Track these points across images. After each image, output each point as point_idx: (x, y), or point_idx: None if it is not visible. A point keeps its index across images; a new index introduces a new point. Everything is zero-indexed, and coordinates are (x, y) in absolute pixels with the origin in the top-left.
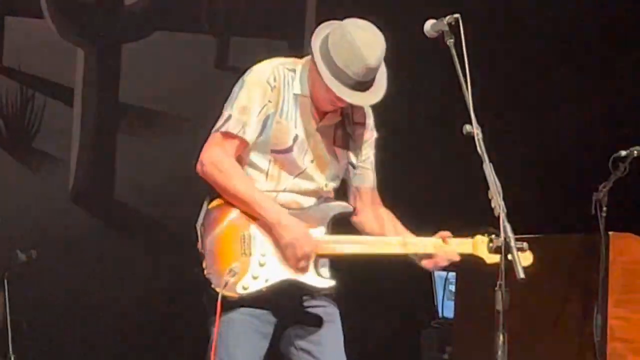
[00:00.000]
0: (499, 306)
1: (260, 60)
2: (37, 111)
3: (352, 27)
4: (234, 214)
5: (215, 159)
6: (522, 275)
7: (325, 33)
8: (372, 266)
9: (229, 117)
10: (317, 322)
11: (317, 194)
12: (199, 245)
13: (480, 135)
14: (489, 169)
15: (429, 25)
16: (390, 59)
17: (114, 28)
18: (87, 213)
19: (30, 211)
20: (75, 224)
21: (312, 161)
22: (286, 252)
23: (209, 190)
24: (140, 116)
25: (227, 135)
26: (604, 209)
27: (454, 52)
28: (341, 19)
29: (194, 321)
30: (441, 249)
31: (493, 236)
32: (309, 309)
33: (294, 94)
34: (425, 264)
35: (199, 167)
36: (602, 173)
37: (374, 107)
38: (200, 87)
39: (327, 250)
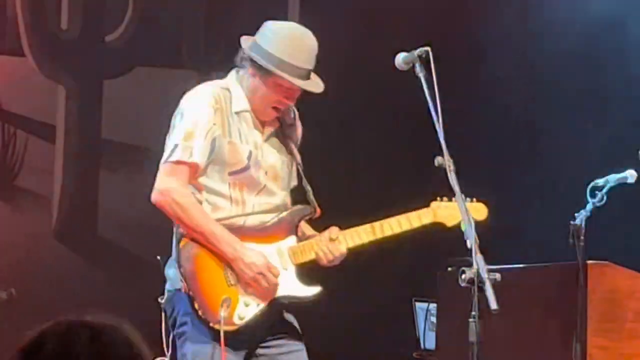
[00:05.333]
0: (473, 337)
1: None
2: (19, 149)
3: (279, 26)
4: (205, 248)
5: (172, 189)
6: (494, 306)
7: (249, 42)
8: (353, 296)
9: (175, 146)
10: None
11: (282, 209)
12: (184, 287)
13: (452, 167)
14: (460, 200)
15: (400, 58)
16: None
17: (95, 64)
18: (70, 250)
19: (13, 249)
20: (59, 261)
21: (265, 173)
22: (252, 286)
23: (174, 231)
24: (122, 152)
25: (178, 163)
26: (582, 237)
27: (424, 84)
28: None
29: None
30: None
31: (465, 268)
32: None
33: (236, 112)
34: (321, 262)
35: (155, 196)
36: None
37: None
38: None
39: (306, 257)
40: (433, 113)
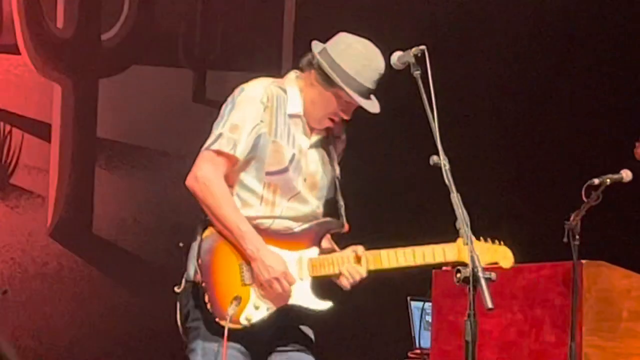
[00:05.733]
0: (468, 337)
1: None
2: (14, 147)
3: (352, 40)
4: (227, 242)
5: (208, 178)
6: (490, 305)
7: (319, 48)
8: (348, 297)
9: (220, 135)
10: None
11: (311, 217)
12: (198, 277)
13: (448, 166)
14: (456, 199)
15: (395, 57)
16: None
17: (91, 63)
18: (65, 248)
19: (8, 247)
20: (54, 259)
21: (304, 180)
22: (265, 288)
23: (200, 219)
24: (117, 151)
25: (218, 153)
26: (577, 237)
27: (420, 84)
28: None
29: (178, 355)
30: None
31: (460, 267)
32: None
33: (289, 114)
34: (344, 282)
35: (191, 181)
36: (576, 201)
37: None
38: (177, 121)
39: (321, 272)
40: (428, 112)
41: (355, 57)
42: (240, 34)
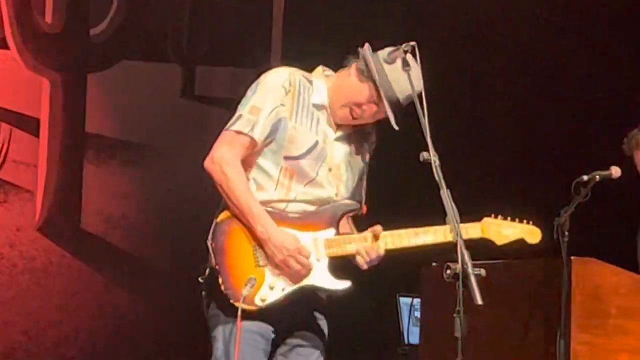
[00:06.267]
0: (458, 333)
1: (226, 89)
2: (2, 142)
3: (403, 54)
4: (242, 225)
5: (224, 159)
6: (479, 301)
7: (369, 49)
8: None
9: (240, 116)
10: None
11: (327, 202)
12: (212, 261)
13: (438, 162)
14: (446, 196)
15: (385, 53)
16: None
17: (80, 58)
18: (53, 243)
19: None
20: (42, 254)
21: (329, 170)
22: (282, 268)
23: (218, 204)
24: (106, 146)
25: (237, 133)
26: (566, 233)
27: (411, 80)
28: (306, 46)
29: (165, 349)
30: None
31: (450, 263)
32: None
33: (313, 104)
34: (360, 261)
35: (207, 162)
36: (565, 197)
37: None
38: (166, 117)
39: (341, 252)
40: (418, 108)
41: (399, 68)
42: (229, 30)
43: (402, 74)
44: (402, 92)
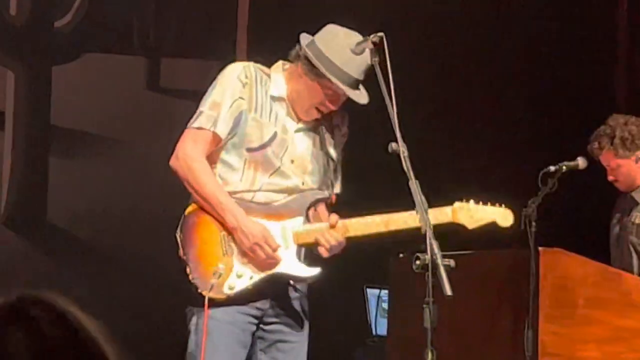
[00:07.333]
0: (427, 323)
1: (192, 81)
2: None
3: (340, 31)
4: (210, 216)
5: (189, 155)
6: (449, 292)
7: (307, 41)
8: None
9: (200, 113)
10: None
11: (294, 191)
12: (181, 252)
13: (406, 153)
14: (414, 186)
15: (353, 44)
16: None
17: (44, 50)
18: (19, 236)
19: None
20: (7, 247)
21: (292, 161)
22: (250, 255)
23: (187, 197)
24: (71, 139)
25: (199, 129)
26: (533, 224)
27: (378, 70)
28: (272, 39)
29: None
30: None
31: (419, 254)
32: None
33: (271, 96)
34: (320, 250)
35: (172, 161)
36: (531, 188)
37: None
38: (131, 109)
39: (307, 240)
40: (387, 99)
41: (342, 47)
42: (195, 22)
43: (348, 49)
44: (358, 69)
